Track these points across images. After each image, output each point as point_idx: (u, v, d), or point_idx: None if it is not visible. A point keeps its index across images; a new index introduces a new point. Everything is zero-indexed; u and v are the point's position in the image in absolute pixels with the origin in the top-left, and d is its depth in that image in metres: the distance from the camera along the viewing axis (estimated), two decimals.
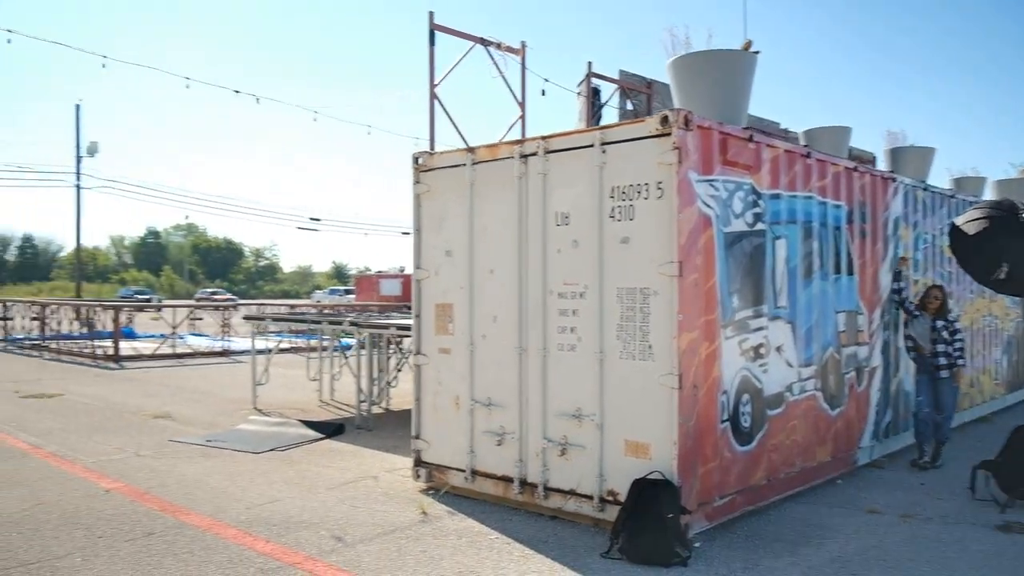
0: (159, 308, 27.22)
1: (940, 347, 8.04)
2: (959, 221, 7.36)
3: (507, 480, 6.58)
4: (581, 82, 9.98)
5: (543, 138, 6.48)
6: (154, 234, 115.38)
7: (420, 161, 7.35)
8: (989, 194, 12.95)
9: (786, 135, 12.58)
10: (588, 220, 6.09)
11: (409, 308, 7.98)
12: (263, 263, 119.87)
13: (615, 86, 10.33)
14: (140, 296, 61.01)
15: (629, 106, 10.47)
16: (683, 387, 5.57)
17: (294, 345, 19.66)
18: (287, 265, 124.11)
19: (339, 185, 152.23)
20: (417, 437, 7.24)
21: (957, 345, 8.04)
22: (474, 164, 6.89)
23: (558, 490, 6.27)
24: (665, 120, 5.66)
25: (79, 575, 4.96)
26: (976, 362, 10.89)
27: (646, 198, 5.79)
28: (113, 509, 6.37)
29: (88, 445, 8.89)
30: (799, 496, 6.96)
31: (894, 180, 8.76)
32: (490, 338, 6.74)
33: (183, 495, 6.82)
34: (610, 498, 5.91)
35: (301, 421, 10.17)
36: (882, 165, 11.27)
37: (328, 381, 12.59)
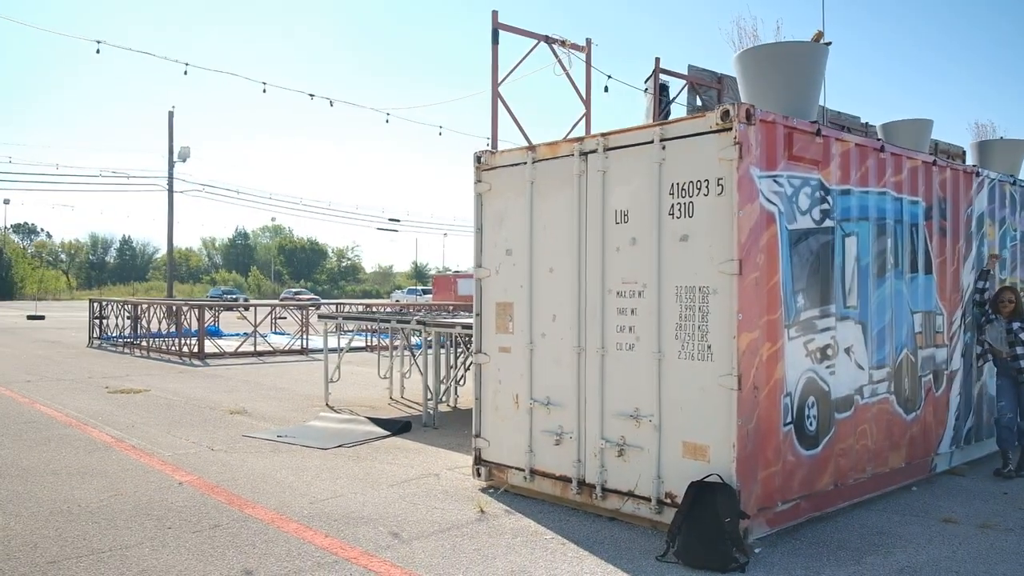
0: (244, 308, 28.11)
1: (1019, 349, 7.62)
2: None
3: (565, 480, 6.54)
4: (648, 78, 9.83)
5: (603, 135, 6.42)
6: (243, 236, 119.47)
7: (482, 160, 7.37)
8: None
9: (866, 130, 12.16)
10: (647, 217, 6.00)
11: None
12: (346, 263, 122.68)
13: (684, 82, 10.14)
14: (229, 296, 63.24)
15: (698, 102, 10.26)
16: (742, 388, 5.42)
17: (371, 344, 20.05)
18: (369, 266, 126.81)
19: (417, 186, 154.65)
20: (477, 435, 7.26)
21: None
22: (535, 162, 6.87)
23: (616, 491, 6.19)
24: (726, 114, 5.53)
25: (146, 563, 5.15)
26: None
27: (706, 195, 5.67)
28: (184, 501, 6.60)
29: (167, 439, 9.24)
30: (870, 503, 6.70)
31: (978, 174, 8.35)
32: (549, 337, 6.71)
33: (250, 489, 7.01)
34: (668, 500, 5.80)
35: (369, 419, 10.34)
36: (971, 159, 10.78)
37: (398, 379, 12.78)
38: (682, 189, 5.80)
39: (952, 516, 6.39)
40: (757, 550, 5.48)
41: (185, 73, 22.47)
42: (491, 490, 7.03)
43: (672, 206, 5.86)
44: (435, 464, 8.12)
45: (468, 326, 9.70)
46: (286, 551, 5.39)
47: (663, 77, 9.87)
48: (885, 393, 6.92)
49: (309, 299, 55.06)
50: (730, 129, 5.48)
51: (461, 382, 12.28)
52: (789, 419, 5.88)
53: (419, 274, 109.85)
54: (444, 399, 11.44)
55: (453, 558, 5.28)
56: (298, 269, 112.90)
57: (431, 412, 10.48)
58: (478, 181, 7.38)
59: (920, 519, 6.35)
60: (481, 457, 7.25)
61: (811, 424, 6.12)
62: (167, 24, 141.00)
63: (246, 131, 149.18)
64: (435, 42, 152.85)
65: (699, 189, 5.70)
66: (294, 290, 74.11)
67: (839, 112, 12.24)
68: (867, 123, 12.26)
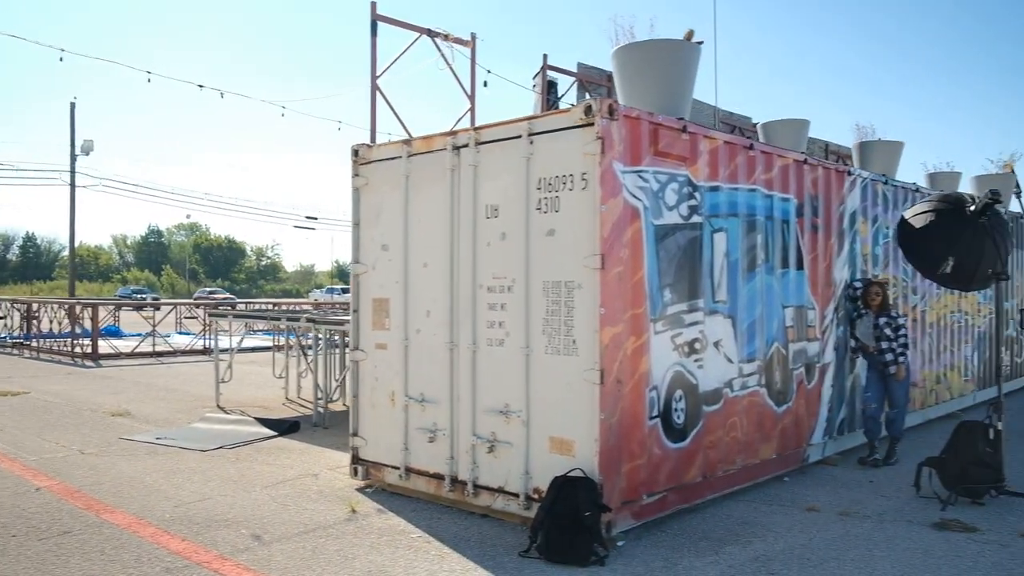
0: (148, 307, 27.16)
1: (884, 344, 7.91)
2: (907, 214, 7.22)
3: (439, 478, 6.47)
4: (536, 75, 9.86)
5: (475, 129, 6.39)
6: (156, 233, 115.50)
7: (359, 154, 7.25)
8: (967, 189, 12.79)
9: (756, 130, 12.46)
10: (516, 212, 5.98)
11: None
12: (265, 262, 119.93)
13: (574, 80, 10.19)
14: (138, 295, 61.05)
15: (589, 99, 10.32)
16: (605, 382, 5.45)
17: (278, 344, 19.57)
18: (290, 264, 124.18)
19: (329, 183, 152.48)
20: (355, 434, 7.14)
21: (901, 340, 7.91)
22: (410, 156, 6.79)
23: (487, 488, 6.16)
24: (589, 109, 5.54)
25: None
26: (944, 358, 10.75)
27: (571, 189, 5.68)
28: (37, 507, 6.28)
29: (35, 443, 8.80)
30: (740, 493, 6.84)
31: (850, 173, 8.62)
32: (424, 333, 6.64)
33: (113, 493, 6.72)
34: (535, 496, 5.79)
35: (257, 419, 10.07)
36: (854, 160, 11.15)
37: (295, 379, 12.50)
38: (549, 184, 5.80)
39: (816, 505, 6.57)
40: (620, 543, 5.52)
41: (61, 59, 21.48)
42: (368, 489, 6.92)
43: (540, 201, 5.85)
44: (316, 464, 7.94)
45: None
46: (135, 557, 5.17)
47: (552, 74, 9.89)
48: (756, 386, 7.07)
49: (224, 299, 53.67)
50: (593, 124, 5.50)
51: None
52: (655, 413, 5.95)
53: (341, 273, 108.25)
54: (337, 397, 11.24)
55: (311, 560, 5.16)
56: (215, 268, 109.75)
57: (321, 411, 10.27)
58: (355, 175, 7.25)
59: (785, 508, 6.51)
60: (359, 456, 7.12)
61: (679, 417, 6.20)
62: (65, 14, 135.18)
63: (159, 128, 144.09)
64: (325, 33, 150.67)
65: (565, 184, 5.71)
66: (208, 289, 71.97)
67: (731, 112, 12.51)
68: (756, 124, 12.57)
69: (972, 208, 6.76)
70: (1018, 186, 15.26)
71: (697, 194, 6.40)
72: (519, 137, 5.96)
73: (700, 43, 7.03)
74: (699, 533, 5.84)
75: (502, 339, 6.07)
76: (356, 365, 7.17)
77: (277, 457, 8.26)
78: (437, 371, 6.50)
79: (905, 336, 8.01)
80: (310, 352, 11.78)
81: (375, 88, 9.14)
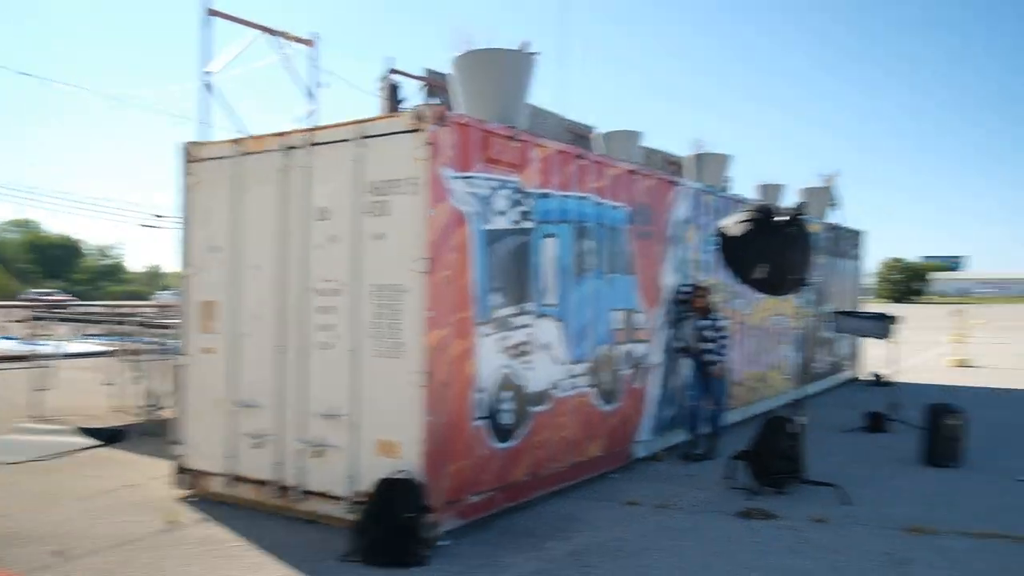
0: None
1: (707, 345, 8.41)
2: (725, 223, 7.69)
3: (265, 484, 6.34)
4: (381, 78, 9.83)
5: (308, 130, 6.33)
6: None
7: (190, 152, 7.00)
8: (793, 200, 13.72)
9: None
10: (346, 215, 5.96)
11: None
12: (107, 262, 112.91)
13: (424, 84, 10.22)
14: None
15: (419, 105, 10.34)
16: (430, 384, 5.52)
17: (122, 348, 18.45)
18: (137, 265, 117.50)
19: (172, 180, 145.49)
20: (179, 442, 6.88)
21: (721, 342, 8.43)
22: (241, 156, 6.62)
23: (314, 493, 6.09)
24: (419, 115, 5.60)
25: None
26: (765, 358, 11.51)
27: (401, 194, 5.71)
28: None
29: None
30: (568, 491, 7.07)
31: (678, 183, 9.09)
32: (253, 337, 6.49)
33: None
34: (361, 499, 5.78)
35: (80, 428, 9.49)
36: (691, 172, 11.74)
37: (127, 385, 11.83)
38: (379, 188, 5.81)
39: (636, 499, 6.89)
40: (445, 542, 5.59)
41: None
42: (192, 499, 6.67)
43: (370, 204, 5.85)
44: (138, 474, 7.57)
45: None
46: None
47: (399, 78, 9.89)
48: (584, 387, 7.33)
49: (60, 300, 50.15)
50: (423, 130, 5.56)
51: None
52: (482, 414, 6.06)
53: None
54: (168, 405, 10.74)
55: (116, 575, 4.93)
56: (52, 268, 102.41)
57: (152, 419, 9.81)
58: (187, 174, 7.00)
59: (608, 503, 6.79)
60: (183, 465, 6.86)
61: (506, 418, 6.34)
62: None
63: None
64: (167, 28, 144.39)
65: (395, 188, 5.74)
66: (41, 290, 66.98)
67: (576, 122, 12.88)
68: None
69: (781, 219, 7.28)
70: (836, 199, 16.61)
71: (528, 200, 6.58)
72: (351, 140, 5.94)
73: (534, 54, 7.22)
74: (523, 530, 6.00)
75: (332, 342, 6.03)
76: (182, 370, 6.91)
77: (97, 468, 7.83)
78: (265, 375, 6.37)
79: (726, 338, 8.53)
80: (143, 357, 11.21)
81: (206, 84, 8.82)
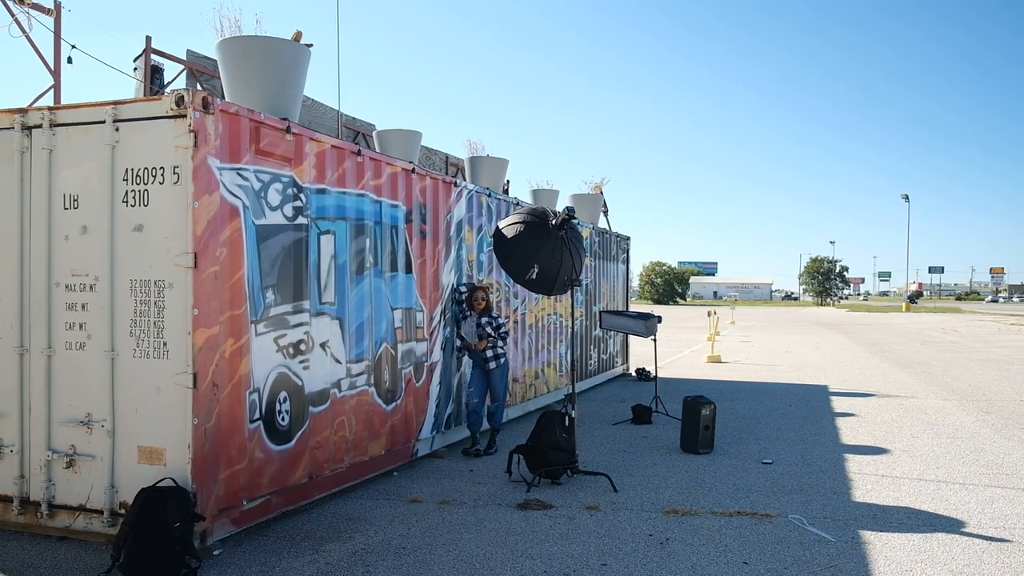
0: None
1: (486, 342, 8.63)
2: (500, 224, 7.93)
3: (6, 500, 5.69)
4: (138, 58, 9.13)
5: (50, 109, 5.73)
6: None
7: None
8: (565, 205, 14.40)
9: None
10: (99, 204, 5.48)
11: None
12: None
13: (181, 67, 9.60)
14: None
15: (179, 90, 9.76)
16: (199, 386, 5.21)
17: None
18: None
19: None
20: None
21: (502, 337, 8.69)
22: None
23: (66, 507, 5.55)
24: (180, 100, 5.27)
25: None
26: (542, 356, 11.99)
27: (162, 183, 5.34)
28: None
29: None
30: (349, 491, 6.96)
31: (456, 184, 9.24)
32: None
33: None
34: (122, 511, 5.34)
35: None
36: (467, 173, 11.98)
37: None
38: (137, 175, 5.40)
39: (419, 496, 6.92)
40: (217, 552, 5.30)
41: None
42: None
43: (127, 193, 5.42)
44: None
45: None
46: None
47: (157, 59, 9.22)
48: (364, 385, 7.25)
49: None
50: (185, 116, 5.24)
51: None
52: (257, 415, 5.81)
53: None
54: None
55: None
56: None
57: None
58: None
59: (391, 502, 6.75)
60: None
61: (283, 419, 6.13)
62: None
63: None
64: None
65: (155, 177, 5.36)
66: None
67: (355, 118, 12.75)
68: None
69: (553, 222, 7.62)
70: (605, 205, 17.67)
71: (303, 195, 6.40)
72: (103, 122, 5.47)
73: (309, 45, 7.05)
74: (303, 533, 5.83)
75: (83, 342, 5.52)
76: None
77: None
78: (4, 379, 5.72)
79: (506, 335, 8.80)
80: None
81: None
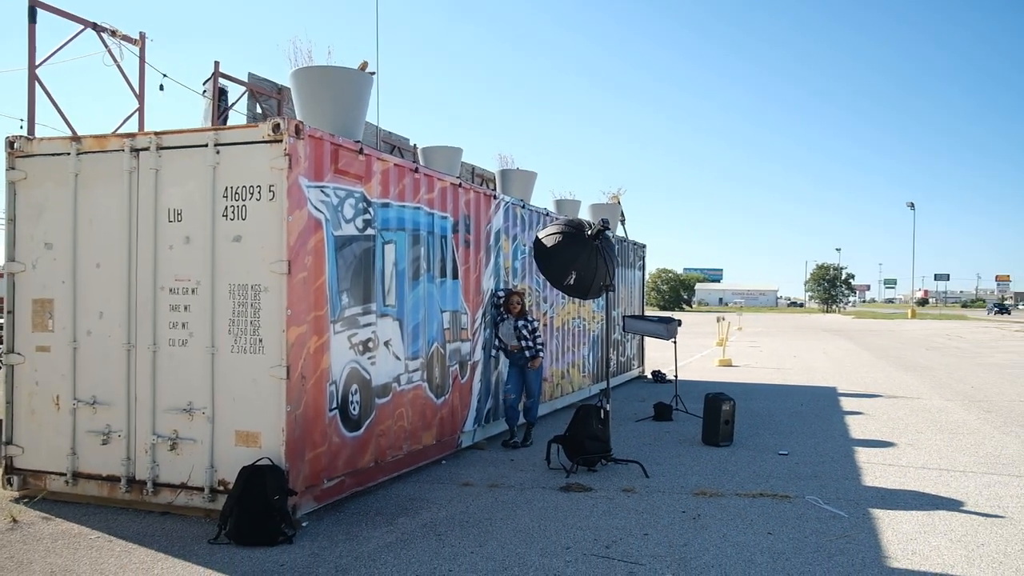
0: None
1: (523, 343, 9.37)
2: (540, 234, 8.67)
3: (113, 480, 6.43)
4: (207, 80, 9.90)
5: (156, 134, 6.49)
6: None
7: (16, 146, 6.89)
8: (585, 215, 15.15)
9: (415, 151, 13.60)
10: (201, 218, 6.24)
11: None
12: None
13: (244, 89, 10.38)
14: None
15: (259, 110, 10.59)
16: (291, 378, 5.95)
17: None
18: None
19: None
20: (9, 443, 6.74)
21: (537, 339, 9.43)
22: (80, 154, 6.65)
23: (168, 485, 6.29)
24: (277, 127, 6.02)
25: None
26: (567, 357, 12.72)
27: (259, 199, 6.10)
28: None
29: None
30: (406, 476, 7.69)
31: (495, 197, 10.00)
32: (96, 334, 6.55)
33: None
34: (221, 488, 6.09)
35: None
36: (498, 185, 12.70)
37: None
38: (236, 192, 6.16)
39: (470, 480, 7.65)
40: (305, 523, 6.03)
41: None
42: (26, 499, 6.58)
43: (226, 208, 6.18)
44: None
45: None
46: None
47: (223, 82, 10.00)
48: (419, 381, 7.99)
49: None
50: (281, 141, 5.99)
51: None
52: (334, 405, 6.56)
53: None
54: None
55: None
56: None
57: None
58: (11, 168, 6.89)
59: (444, 485, 7.49)
60: (14, 466, 6.74)
61: (354, 409, 6.87)
62: None
63: None
64: None
65: (252, 194, 6.11)
66: None
67: (391, 132, 13.51)
68: (416, 145, 13.72)
69: (589, 233, 8.36)
70: (623, 214, 18.43)
71: (371, 209, 7.15)
72: (205, 146, 6.23)
73: (373, 73, 7.81)
74: (374, 510, 6.56)
75: (185, 339, 6.27)
76: (11, 370, 6.78)
77: None
78: (112, 372, 6.46)
79: (540, 336, 9.54)
80: None
81: (33, 77, 8.50)
